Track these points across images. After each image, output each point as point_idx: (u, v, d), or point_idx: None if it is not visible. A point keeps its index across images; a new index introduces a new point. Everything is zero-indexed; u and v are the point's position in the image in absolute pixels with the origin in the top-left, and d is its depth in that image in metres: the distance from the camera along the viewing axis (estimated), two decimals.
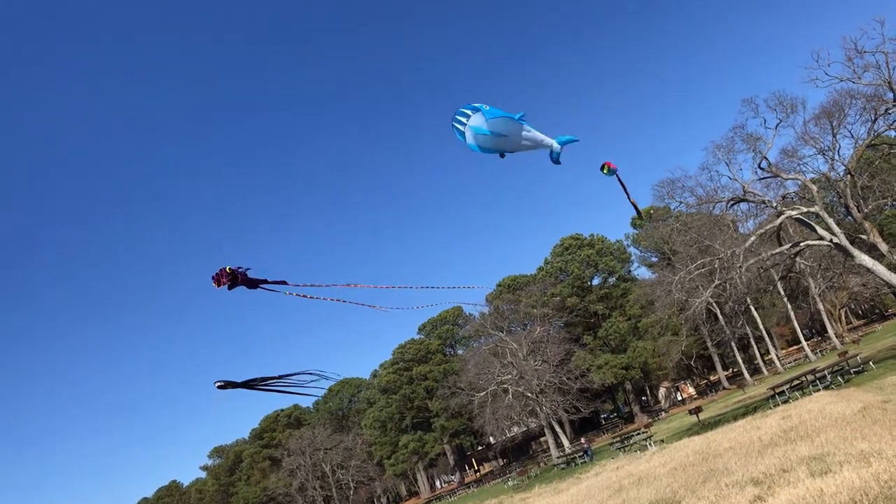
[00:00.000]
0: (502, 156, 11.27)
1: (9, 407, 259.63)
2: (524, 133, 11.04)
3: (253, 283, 8.75)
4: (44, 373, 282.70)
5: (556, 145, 11.48)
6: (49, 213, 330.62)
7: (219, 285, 8.40)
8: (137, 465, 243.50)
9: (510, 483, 59.03)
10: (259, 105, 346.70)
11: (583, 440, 66.35)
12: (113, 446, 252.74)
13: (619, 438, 50.70)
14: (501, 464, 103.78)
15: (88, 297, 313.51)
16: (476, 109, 10.88)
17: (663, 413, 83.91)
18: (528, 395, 66.88)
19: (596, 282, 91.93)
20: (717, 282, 38.73)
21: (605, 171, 14.57)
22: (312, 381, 8.10)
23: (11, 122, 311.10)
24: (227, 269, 8.41)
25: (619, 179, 14.94)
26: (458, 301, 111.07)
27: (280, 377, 7.85)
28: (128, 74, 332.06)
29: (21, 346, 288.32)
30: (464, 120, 10.96)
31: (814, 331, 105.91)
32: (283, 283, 9.15)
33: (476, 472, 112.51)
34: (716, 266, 38.01)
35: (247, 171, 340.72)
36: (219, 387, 7.40)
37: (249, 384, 7.64)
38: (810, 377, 35.80)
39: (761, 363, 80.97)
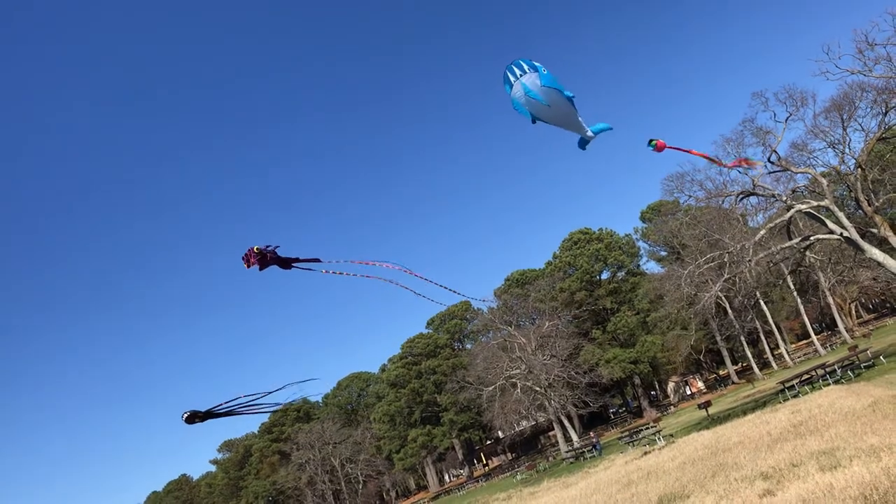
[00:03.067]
0: (534, 121, 11.25)
1: (14, 402, 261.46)
2: (567, 111, 11.02)
3: (286, 263, 8.64)
4: (52, 367, 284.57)
5: (590, 133, 11.56)
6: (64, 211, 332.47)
7: (248, 266, 8.31)
8: (147, 458, 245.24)
9: (519, 477, 59.18)
10: (270, 94, 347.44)
11: (591, 434, 66.46)
12: (123, 440, 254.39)
13: (627, 433, 50.70)
14: (510, 458, 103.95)
15: (93, 291, 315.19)
16: (534, 68, 10.81)
17: (672, 407, 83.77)
18: (537, 389, 66.91)
19: (605, 276, 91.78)
20: (726, 276, 38.64)
21: (651, 145, 14.57)
22: (274, 403, 7.30)
23: None
24: (255, 249, 8.32)
25: (677, 148, 14.94)
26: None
27: (248, 396, 7.12)
28: (119, 60, 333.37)
29: (28, 341, 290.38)
30: (518, 72, 10.89)
31: (824, 325, 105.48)
32: (317, 260, 9.05)
33: (485, 466, 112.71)
34: (725, 260, 37.94)
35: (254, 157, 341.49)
36: (186, 419, 6.80)
37: (217, 412, 6.97)
38: (820, 372, 35.74)
39: (771, 357, 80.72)
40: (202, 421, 6.90)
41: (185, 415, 6.77)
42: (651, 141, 14.57)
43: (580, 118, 11.37)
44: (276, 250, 8.55)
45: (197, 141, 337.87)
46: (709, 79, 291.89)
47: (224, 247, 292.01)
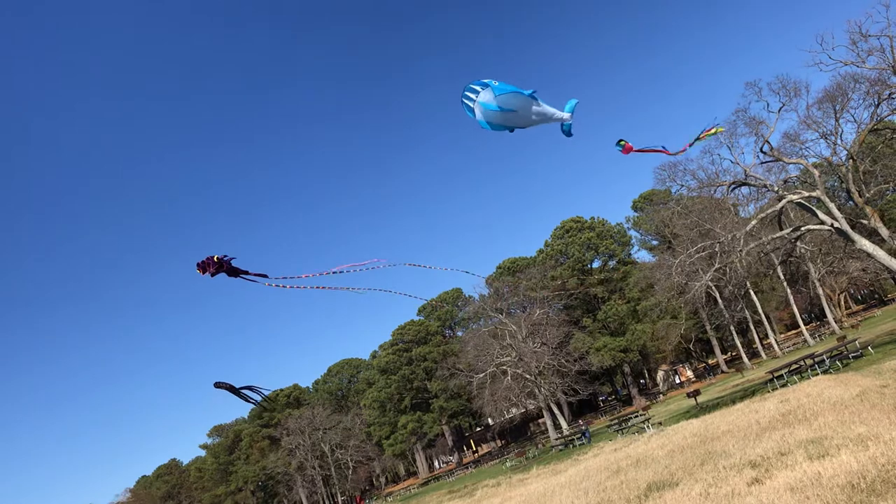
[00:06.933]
0: (511, 131, 11.14)
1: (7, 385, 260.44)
2: (534, 108, 10.89)
3: (234, 272, 8.96)
4: (44, 352, 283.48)
5: (566, 116, 11.40)
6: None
7: (203, 272, 8.63)
8: (137, 443, 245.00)
9: (508, 464, 59.33)
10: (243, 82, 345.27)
11: (581, 422, 66.70)
12: (113, 425, 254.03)
13: (617, 421, 50.88)
14: (500, 445, 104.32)
15: (83, 275, 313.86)
16: (485, 85, 10.69)
17: (661, 396, 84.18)
18: (527, 376, 67.05)
19: (596, 265, 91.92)
20: (717, 265, 38.71)
21: (619, 146, 14.53)
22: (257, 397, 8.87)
23: None
24: (215, 259, 8.64)
25: (641, 150, 14.96)
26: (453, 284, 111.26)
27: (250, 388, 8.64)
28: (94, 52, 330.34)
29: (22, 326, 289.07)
30: (473, 96, 10.77)
31: (813, 315, 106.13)
32: (264, 276, 9.33)
33: (474, 452, 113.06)
34: (716, 250, 38.01)
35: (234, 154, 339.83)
36: (215, 385, 8.30)
37: (236, 389, 8.44)
38: (809, 361, 35.87)
39: (760, 347, 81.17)
40: (225, 389, 8.34)
41: (218, 382, 8.33)
42: (620, 141, 14.53)
43: (549, 107, 11.24)
44: (232, 261, 9.00)
45: (163, 141, 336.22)
46: (703, 69, 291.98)
47: (216, 238, 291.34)
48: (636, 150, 14.85)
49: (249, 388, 8.56)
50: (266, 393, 8.85)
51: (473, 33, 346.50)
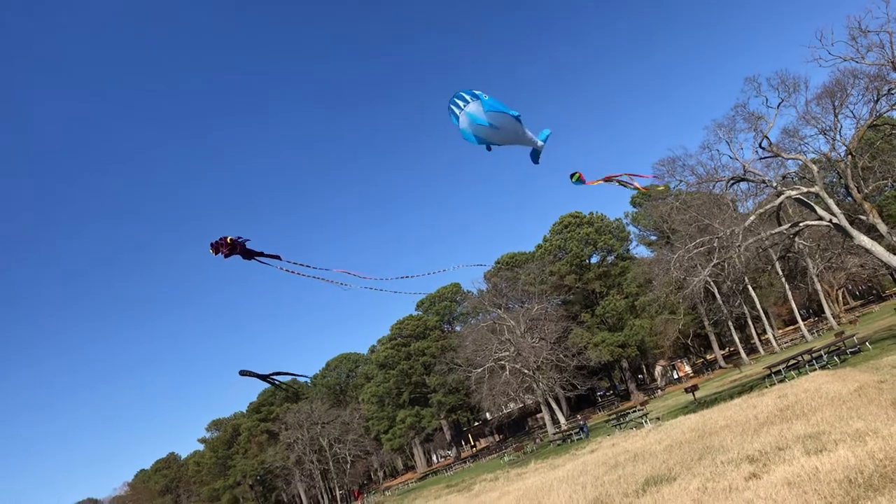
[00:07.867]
0: (489, 148, 11.29)
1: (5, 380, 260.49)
2: (517, 129, 11.10)
3: (248, 254, 8.87)
4: (43, 348, 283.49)
5: (539, 143, 11.65)
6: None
7: (216, 253, 8.53)
8: (136, 437, 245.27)
9: (506, 458, 59.50)
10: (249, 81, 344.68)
11: (579, 417, 66.69)
12: (112, 419, 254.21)
13: (615, 415, 50.97)
14: (498, 439, 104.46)
15: (82, 272, 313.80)
16: (476, 97, 10.82)
17: (659, 391, 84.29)
18: (525, 371, 67.07)
19: (594, 260, 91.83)
20: (715, 261, 38.67)
21: (574, 180, 14.62)
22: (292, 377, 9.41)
23: None
24: (229, 240, 8.53)
25: (593, 181, 15.11)
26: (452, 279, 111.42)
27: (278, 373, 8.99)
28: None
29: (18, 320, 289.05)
30: (461, 104, 10.90)
31: (811, 311, 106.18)
32: (278, 257, 9.28)
33: (472, 447, 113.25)
34: (715, 245, 37.95)
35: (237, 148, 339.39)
36: (240, 373, 8.54)
37: (264, 377, 8.78)
38: (807, 357, 35.98)
39: (758, 343, 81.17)
40: (252, 377, 8.60)
41: (244, 370, 8.57)
42: (573, 176, 14.67)
43: (529, 132, 11.47)
44: (246, 243, 8.87)
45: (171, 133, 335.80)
46: (701, 63, 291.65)
47: (212, 236, 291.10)
48: (589, 183, 14.98)
49: (277, 373, 8.80)
50: (294, 375, 9.35)
51: (473, 33, 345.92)
